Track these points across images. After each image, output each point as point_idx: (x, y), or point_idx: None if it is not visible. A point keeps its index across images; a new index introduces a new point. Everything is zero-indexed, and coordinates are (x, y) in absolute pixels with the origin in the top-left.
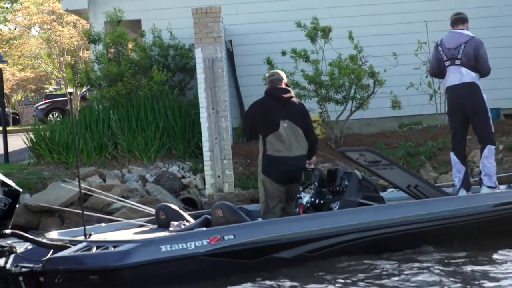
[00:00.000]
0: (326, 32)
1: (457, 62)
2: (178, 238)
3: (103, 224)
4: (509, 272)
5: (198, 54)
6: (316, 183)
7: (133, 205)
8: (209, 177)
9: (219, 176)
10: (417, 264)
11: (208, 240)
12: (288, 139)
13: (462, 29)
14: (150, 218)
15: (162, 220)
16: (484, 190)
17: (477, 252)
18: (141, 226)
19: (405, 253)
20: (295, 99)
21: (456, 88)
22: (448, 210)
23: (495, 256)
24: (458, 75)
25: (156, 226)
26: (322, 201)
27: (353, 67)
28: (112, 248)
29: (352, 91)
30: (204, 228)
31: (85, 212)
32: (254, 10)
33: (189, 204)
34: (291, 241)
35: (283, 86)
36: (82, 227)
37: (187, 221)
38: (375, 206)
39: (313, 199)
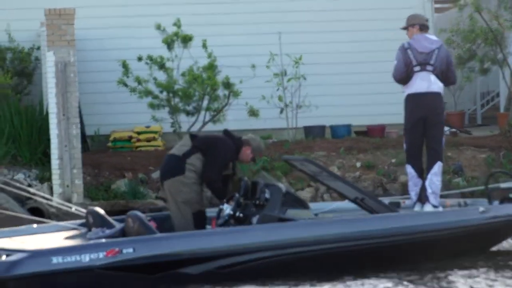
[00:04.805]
0: (186, 40)
1: (429, 68)
2: (72, 250)
3: (35, 226)
4: None
5: (50, 57)
6: (237, 195)
7: (63, 205)
8: (57, 186)
9: (68, 186)
10: None
11: (105, 253)
12: None
13: (430, 34)
14: (83, 221)
15: (91, 224)
16: (428, 208)
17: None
18: (73, 229)
19: None
20: None
21: (422, 96)
22: (376, 229)
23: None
24: (426, 83)
25: (87, 230)
26: (242, 215)
27: (208, 77)
28: (5, 257)
29: (206, 102)
30: (104, 240)
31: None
32: (99, 15)
33: (37, 214)
34: (196, 257)
35: None
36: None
37: (110, 227)
38: (294, 222)
39: (232, 212)
